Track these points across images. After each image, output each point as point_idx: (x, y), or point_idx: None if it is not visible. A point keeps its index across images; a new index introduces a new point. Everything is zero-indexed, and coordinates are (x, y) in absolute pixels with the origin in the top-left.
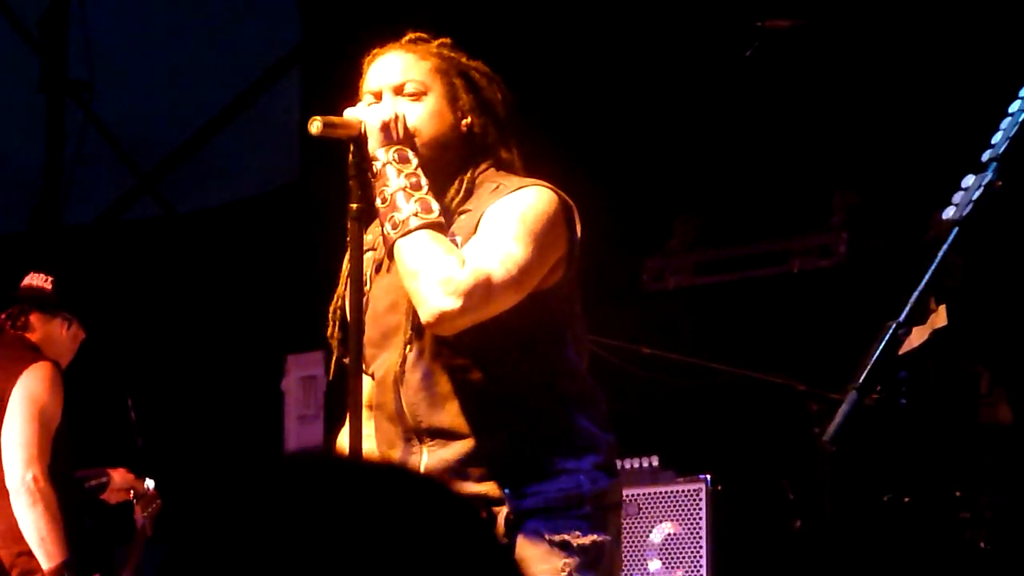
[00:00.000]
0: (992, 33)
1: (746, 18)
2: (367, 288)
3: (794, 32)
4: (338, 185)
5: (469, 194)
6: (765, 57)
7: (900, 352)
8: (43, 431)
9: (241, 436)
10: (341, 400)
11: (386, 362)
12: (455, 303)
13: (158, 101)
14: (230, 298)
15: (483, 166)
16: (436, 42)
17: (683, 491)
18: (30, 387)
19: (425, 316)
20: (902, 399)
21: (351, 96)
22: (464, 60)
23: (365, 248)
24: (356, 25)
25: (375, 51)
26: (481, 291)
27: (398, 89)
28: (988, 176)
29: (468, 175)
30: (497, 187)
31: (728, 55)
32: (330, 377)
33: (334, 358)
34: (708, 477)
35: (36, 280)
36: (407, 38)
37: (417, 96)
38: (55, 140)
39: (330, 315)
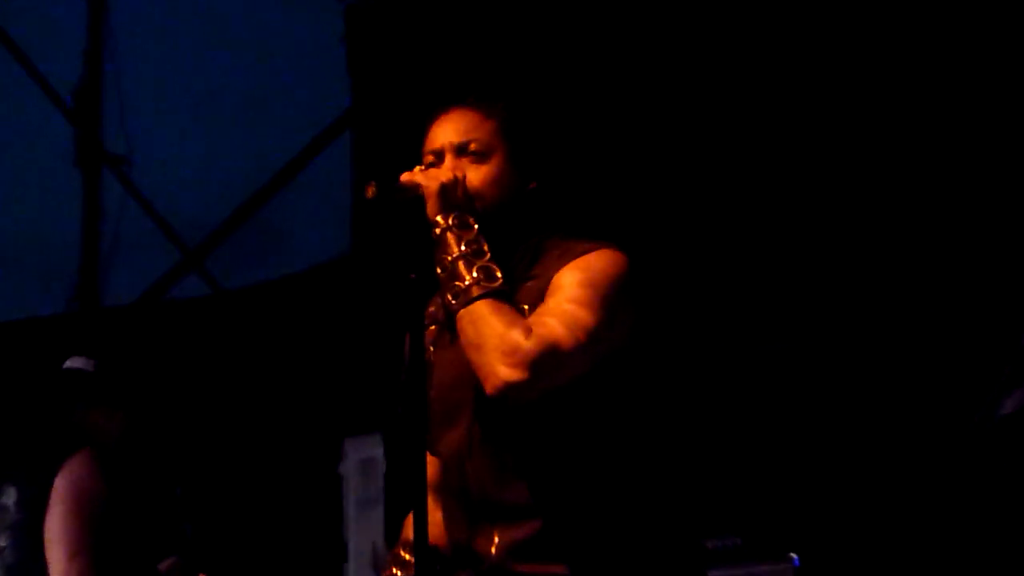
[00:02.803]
0: None
1: None
2: (430, 363)
3: None
4: (395, 255)
5: (535, 260)
6: None
7: None
8: (87, 522)
9: (299, 523)
10: (401, 483)
11: (452, 440)
12: (522, 374)
13: (199, 173)
14: (283, 379)
15: (548, 231)
16: (502, 101)
17: (770, 572)
18: (72, 477)
19: (491, 389)
20: None
21: (404, 161)
22: (530, 120)
23: (427, 320)
24: (408, 88)
25: (439, 109)
26: (549, 360)
27: (461, 149)
28: None
29: (533, 241)
30: (563, 252)
31: None
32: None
33: (396, 438)
34: (795, 557)
35: (78, 363)
36: (472, 96)
37: (481, 157)
38: (92, 215)
39: (394, 393)
